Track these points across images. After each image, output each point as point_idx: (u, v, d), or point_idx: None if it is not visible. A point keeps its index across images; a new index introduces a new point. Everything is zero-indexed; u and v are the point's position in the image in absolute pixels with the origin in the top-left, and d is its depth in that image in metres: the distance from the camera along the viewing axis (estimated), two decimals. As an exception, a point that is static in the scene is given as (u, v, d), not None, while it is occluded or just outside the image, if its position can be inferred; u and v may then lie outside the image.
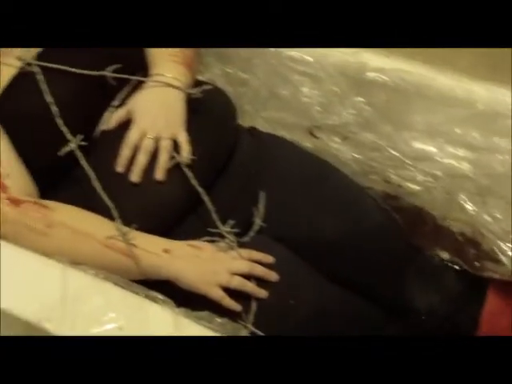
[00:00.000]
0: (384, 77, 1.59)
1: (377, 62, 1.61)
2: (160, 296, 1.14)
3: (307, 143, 1.68)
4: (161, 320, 1.09)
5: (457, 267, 1.53)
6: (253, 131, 1.56)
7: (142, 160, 1.29)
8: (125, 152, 1.29)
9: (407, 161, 1.63)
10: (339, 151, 1.67)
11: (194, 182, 1.30)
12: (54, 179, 1.34)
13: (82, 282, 1.12)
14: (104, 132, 1.35)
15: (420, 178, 1.63)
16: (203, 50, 1.67)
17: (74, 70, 1.32)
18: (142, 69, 1.43)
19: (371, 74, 1.60)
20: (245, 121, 1.61)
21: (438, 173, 1.61)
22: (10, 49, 1.35)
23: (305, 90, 1.62)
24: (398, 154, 1.63)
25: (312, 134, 1.69)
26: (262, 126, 1.68)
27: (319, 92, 1.62)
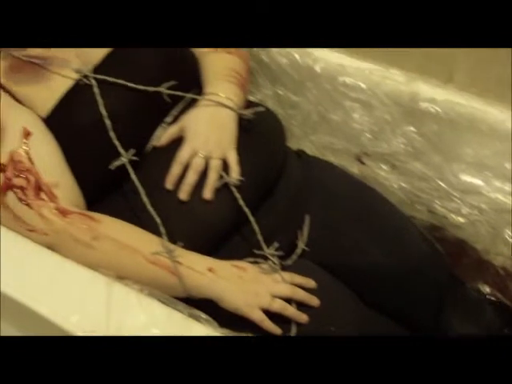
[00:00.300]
0: (436, 107, 1.59)
1: (430, 92, 1.60)
2: (203, 315, 1.14)
3: (354, 169, 1.69)
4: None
5: (497, 302, 1.52)
6: (301, 154, 1.57)
7: (191, 178, 1.30)
8: (175, 169, 1.30)
9: (454, 192, 1.63)
10: (386, 179, 1.67)
11: (241, 202, 1.30)
12: (103, 192, 1.34)
13: (126, 296, 1.13)
14: (155, 148, 1.36)
15: (465, 210, 1.62)
16: (255, 71, 1.67)
17: (130, 84, 1.33)
18: (196, 86, 1.44)
19: (423, 104, 1.60)
20: (292, 143, 1.62)
21: (484, 206, 1.60)
22: (67, 60, 1.37)
23: (356, 116, 1.62)
24: (445, 186, 1.63)
25: (360, 161, 1.69)
26: (310, 150, 1.69)
27: (370, 119, 1.62)
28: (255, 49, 1.65)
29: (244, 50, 1.55)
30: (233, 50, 1.52)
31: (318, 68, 1.60)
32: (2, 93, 1.33)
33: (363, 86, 1.59)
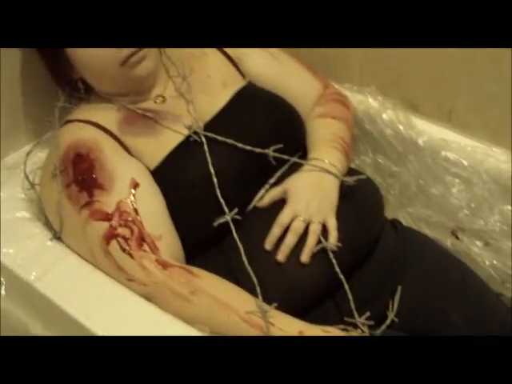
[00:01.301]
0: (536, 188, 1.58)
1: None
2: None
3: (447, 243, 1.67)
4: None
5: None
6: (395, 224, 1.57)
7: (290, 241, 1.31)
8: (275, 231, 1.32)
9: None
10: (479, 255, 1.66)
11: (337, 269, 1.30)
12: (202, 247, 1.37)
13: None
14: (257, 208, 1.38)
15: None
16: (358, 137, 1.69)
17: (238, 144, 1.37)
18: (300, 149, 1.47)
19: (523, 184, 1.59)
20: (388, 212, 1.62)
21: None
22: (179, 116, 1.42)
23: (455, 191, 1.62)
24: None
25: (454, 235, 1.68)
26: (405, 220, 1.69)
27: (469, 195, 1.61)
28: (360, 116, 1.66)
29: (349, 116, 1.58)
30: (339, 115, 1.54)
31: (420, 141, 1.60)
32: (114, 143, 1.38)
33: (465, 162, 1.59)
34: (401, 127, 1.62)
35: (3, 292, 1.39)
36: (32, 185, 1.51)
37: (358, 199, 1.42)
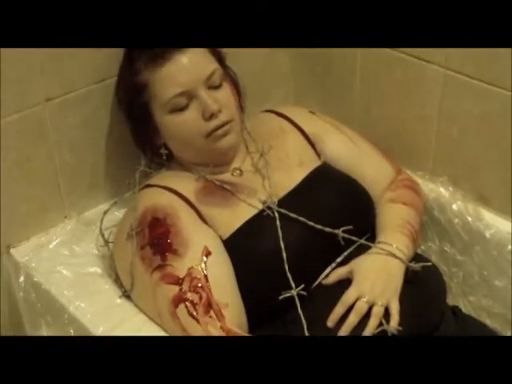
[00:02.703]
0: None
1: None
2: None
3: (508, 333, 1.67)
4: None
5: None
6: (456, 311, 1.58)
7: (353, 320, 1.33)
8: (339, 309, 1.34)
9: None
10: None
11: (397, 352, 1.32)
12: (266, 318, 1.40)
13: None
14: (322, 285, 1.41)
15: None
16: (426, 223, 1.71)
17: (309, 222, 1.41)
18: (369, 231, 1.51)
19: None
20: (449, 298, 1.62)
21: None
22: (255, 190, 1.48)
23: (518, 285, 1.63)
24: None
25: (515, 328, 1.68)
26: (465, 308, 1.70)
27: (533, 290, 1.62)
28: (430, 204, 1.69)
29: (420, 202, 1.61)
30: (409, 201, 1.57)
31: (488, 233, 1.62)
32: (191, 211, 1.43)
33: (532, 257, 1.60)
34: (469, 218, 1.64)
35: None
36: (106, 242, 1.56)
37: (421, 285, 1.43)
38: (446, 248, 1.70)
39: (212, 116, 1.43)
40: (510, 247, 1.59)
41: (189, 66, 1.44)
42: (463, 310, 1.64)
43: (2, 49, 1.41)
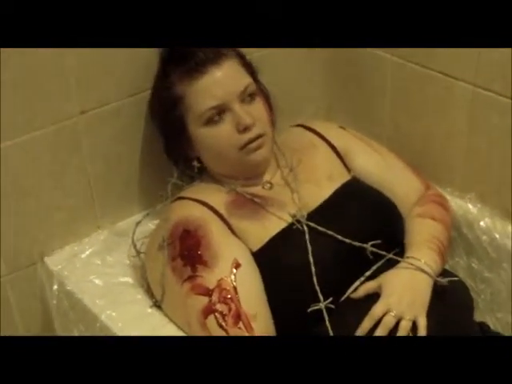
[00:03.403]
0: None
1: None
2: None
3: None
4: None
5: None
6: (483, 327, 1.58)
7: (380, 334, 1.34)
8: (367, 323, 1.35)
9: None
10: None
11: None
12: (294, 330, 1.40)
13: None
14: (350, 298, 1.42)
15: None
16: (454, 239, 1.71)
17: (338, 236, 1.43)
18: (398, 245, 1.52)
19: None
20: (476, 314, 1.63)
21: None
22: (285, 204, 1.49)
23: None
24: None
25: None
26: (493, 324, 1.70)
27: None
28: (458, 220, 1.70)
29: (448, 218, 1.62)
30: (438, 217, 1.58)
31: (515, 250, 1.63)
32: (221, 223, 1.45)
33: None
34: (497, 235, 1.64)
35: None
36: (138, 253, 1.59)
37: (449, 300, 1.44)
38: (473, 264, 1.71)
39: (246, 129, 1.45)
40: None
41: (224, 79, 1.46)
42: (491, 326, 1.65)
43: (40, 62, 1.44)
